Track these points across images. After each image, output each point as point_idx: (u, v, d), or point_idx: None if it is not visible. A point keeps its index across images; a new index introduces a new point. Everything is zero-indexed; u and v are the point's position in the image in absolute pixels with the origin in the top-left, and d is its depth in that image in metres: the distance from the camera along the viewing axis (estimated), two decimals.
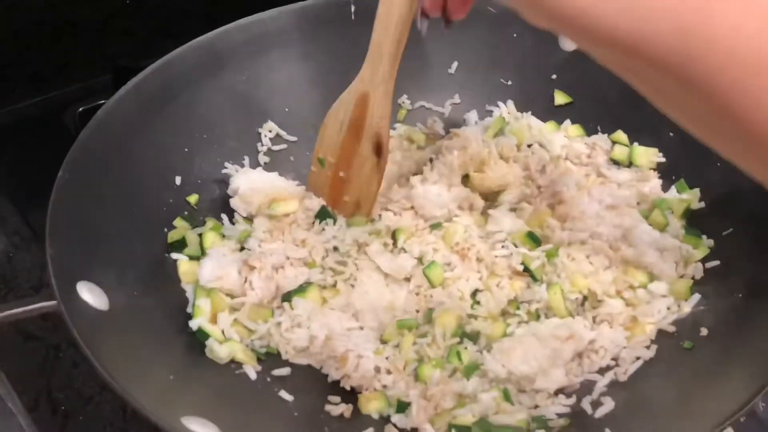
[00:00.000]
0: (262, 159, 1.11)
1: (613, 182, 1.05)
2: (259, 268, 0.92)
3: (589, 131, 1.13)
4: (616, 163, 1.09)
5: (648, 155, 1.07)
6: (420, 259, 0.96)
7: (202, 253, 0.97)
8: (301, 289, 0.92)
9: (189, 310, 0.89)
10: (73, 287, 0.75)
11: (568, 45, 1.14)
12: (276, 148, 1.13)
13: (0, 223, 1.14)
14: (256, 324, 0.89)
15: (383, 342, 0.89)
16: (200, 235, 0.99)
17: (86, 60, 1.35)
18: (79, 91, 1.34)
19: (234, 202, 1.03)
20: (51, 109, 1.31)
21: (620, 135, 1.10)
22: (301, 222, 1.01)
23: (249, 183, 1.04)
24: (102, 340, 0.72)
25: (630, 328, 0.88)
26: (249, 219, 1.03)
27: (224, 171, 1.07)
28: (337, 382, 0.86)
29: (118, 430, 0.90)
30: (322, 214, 1.00)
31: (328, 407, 0.83)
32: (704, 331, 0.85)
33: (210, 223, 1.01)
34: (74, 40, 1.34)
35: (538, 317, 0.91)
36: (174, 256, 0.95)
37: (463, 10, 0.87)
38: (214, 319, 0.88)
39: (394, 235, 0.98)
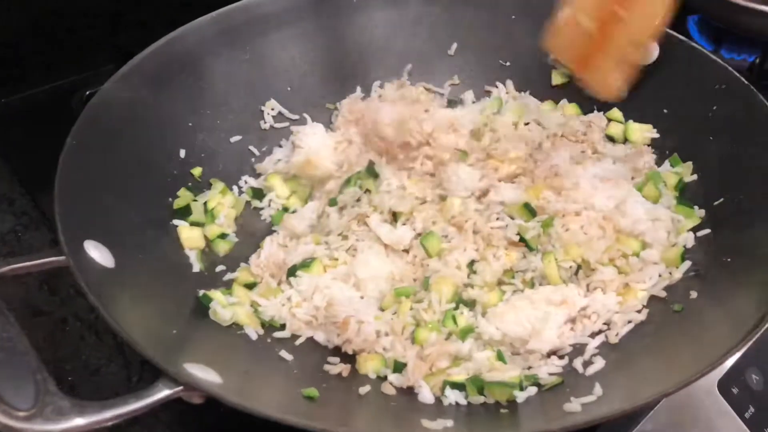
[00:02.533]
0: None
1: (608, 157, 1.07)
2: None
3: (585, 110, 1.15)
4: (611, 139, 1.12)
5: (642, 131, 1.10)
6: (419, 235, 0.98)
7: (211, 219, 1.00)
8: (305, 264, 0.94)
9: (195, 270, 0.91)
10: (80, 244, 0.78)
11: None
12: (278, 125, 1.16)
13: (9, 203, 1.18)
14: (267, 300, 0.92)
15: (382, 309, 0.91)
16: (205, 203, 1.01)
17: (97, 49, 1.38)
18: (88, 79, 1.36)
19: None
20: (60, 95, 1.34)
21: (615, 112, 1.13)
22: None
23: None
24: (108, 294, 0.74)
25: (622, 293, 0.90)
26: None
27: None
28: (337, 347, 0.88)
29: None
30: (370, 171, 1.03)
31: (326, 366, 0.85)
32: (693, 294, 0.87)
33: (218, 185, 1.04)
34: (86, 30, 1.38)
35: (532, 285, 0.93)
36: (176, 222, 0.98)
37: None
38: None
39: (394, 215, 1.00)
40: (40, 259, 0.75)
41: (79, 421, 0.59)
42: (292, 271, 0.94)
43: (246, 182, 1.10)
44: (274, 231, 1.03)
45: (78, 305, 1.01)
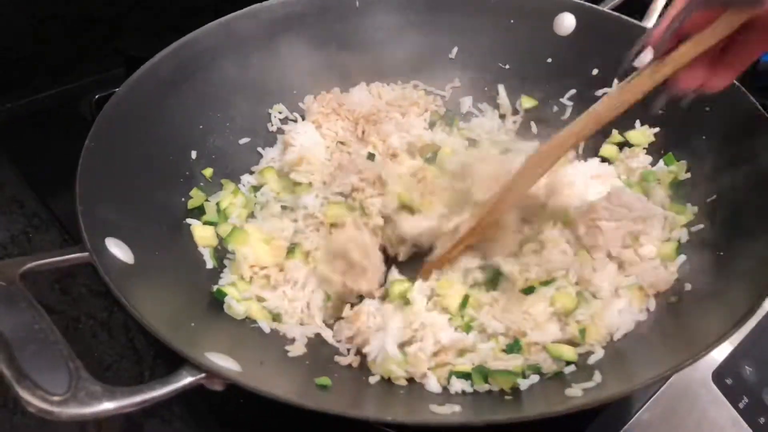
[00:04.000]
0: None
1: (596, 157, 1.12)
2: None
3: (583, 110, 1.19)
4: (606, 160, 1.14)
5: (645, 135, 1.13)
6: None
7: (224, 219, 1.03)
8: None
9: (209, 266, 0.95)
10: (101, 241, 0.81)
11: (562, 30, 1.21)
12: (285, 127, 1.19)
13: (19, 206, 1.20)
14: (269, 292, 0.95)
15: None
16: (218, 203, 1.05)
17: (100, 53, 1.41)
18: (92, 84, 1.39)
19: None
20: (66, 100, 1.38)
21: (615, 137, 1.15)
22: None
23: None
24: (130, 289, 0.77)
25: (634, 296, 0.92)
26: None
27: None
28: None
29: None
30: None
31: (337, 358, 0.88)
32: (688, 287, 0.91)
33: (229, 186, 1.08)
34: (88, 34, 1.40)
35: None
36: (189, 221, 1.01)
37: (728, 78, 0.77)
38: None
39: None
40: (63, 255, 0.77)
41: (109, 405, 0.62)
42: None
43: (248, 182, 1.13)
44: None
45: (90, 304, 1.04)
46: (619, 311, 0.90)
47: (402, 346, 0.86)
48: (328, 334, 0.92)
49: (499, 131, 1.22)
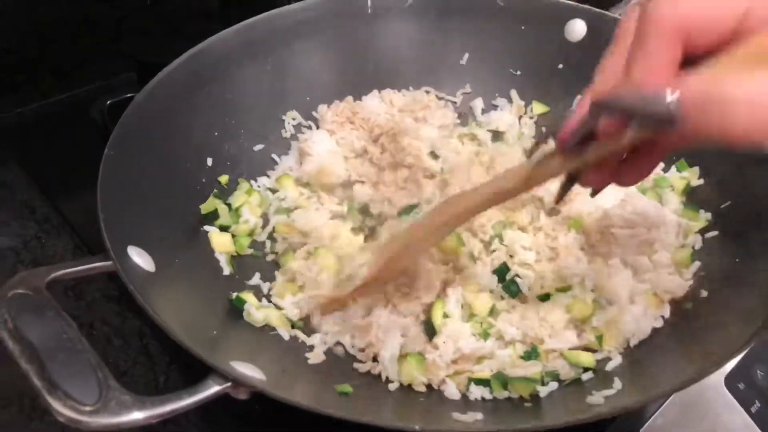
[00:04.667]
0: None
1: None
2: None
3: None
4: None
5: None
6: None
7: (236, 218, 1.04)
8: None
9: (226, 273, 0.96)
10: (124, 250, 0.82)
11: (573, 36, 1.22)
12: (299, 134, 1.20)
13: (30, 211, 1.20)
14: (282, 299, 0.96)
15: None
16: (229, 204, 1.06)
17: (105, 57, 1.42)
18: (100, 88, 1.40)
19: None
20: (75, 105, 1.38)
21: None
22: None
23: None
24: (153, 297, 0.77)
25: (651, 303, 0.92)
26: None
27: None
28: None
29: None
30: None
31: (356, 365, 0.89)
32: (704, 294, 0.91)
33: (243, 186, 1.09)
34: (94, 39, 1.41)
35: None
36: (206, 228, 1.01)
37: (637, 178, 0.72)
38: None
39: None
40: (87, 264, 0.78)
41: (139, 414, 0.63)
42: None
43: (263, 184, 1.13)
44: None
45: (104, 310, 1.04)
46: (635, 318, 0.90)
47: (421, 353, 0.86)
48: (347, 342, 0.92)
49: (521, 126, 1.23)
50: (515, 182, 0.75)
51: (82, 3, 1.36)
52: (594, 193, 0.75)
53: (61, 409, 0.60)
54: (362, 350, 0.90)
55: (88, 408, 0.60)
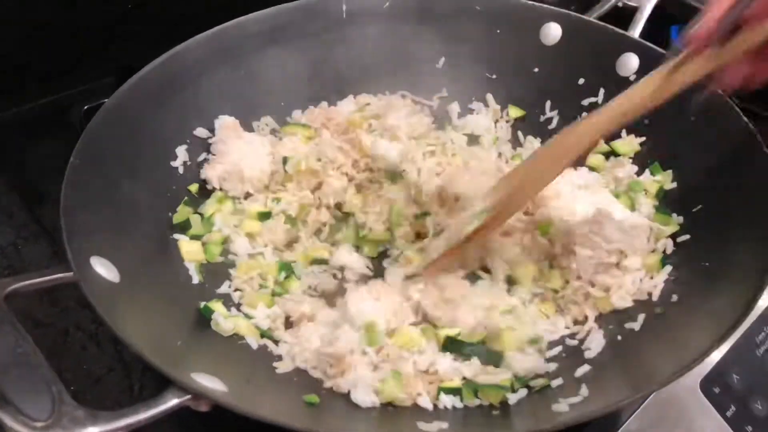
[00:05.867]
0: None
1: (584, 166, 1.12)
2: None
3: (569, 119, 1.19)
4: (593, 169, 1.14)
5: (632, 144, 1.13)
6: None
7: (208, 227, 1.03)
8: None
9: (195, 281, 0.95)
10: (87, 260, 0.81)
11: (548, 40, 1.21)
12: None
13: (8, 216, 1.19)
14: (254, 309, 0.95)
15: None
16: (200, 214, 1.05)
17: (91, 63, 1.40)
18: (83, 93, 1.39)
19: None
20: (56, 109, 1.37)
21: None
22: None
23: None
24: (115, 308, 0.77)
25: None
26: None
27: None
28: None
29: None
30: None
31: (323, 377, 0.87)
32: (674, 298, 0.91)
33: (216, 194, 1.08)
34: (79, 44, 1.39)
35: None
36: (176, 236, 1.01)
37: None
38: None
39: None
40: (47, 275, 0.77)
41: (93, 429, 0.62)
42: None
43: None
44: None
45: (78, 316, 1.03)
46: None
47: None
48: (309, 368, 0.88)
49: (496, 130, 1.22)
50: (643, 96, 0.73)
51: (69, 8, 1.35)
52: (731, 93, 0.73)
53: (11, 424, 0.59)
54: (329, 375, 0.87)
55: (40, 424, 0.60)
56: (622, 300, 0.93)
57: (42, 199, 1.20)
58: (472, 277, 0.97)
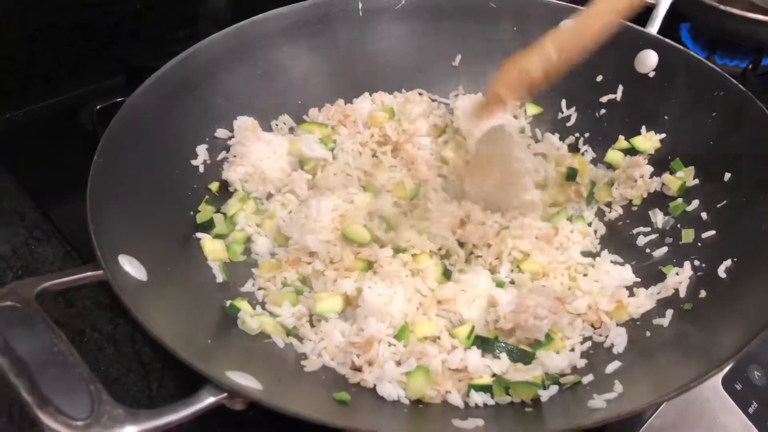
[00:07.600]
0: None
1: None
2: None
3: (588, 116, 1.19)
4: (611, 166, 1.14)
5: (652, 141, 1.12)
6: None
7: (231, 227, 1.03)
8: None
9: (219, 280, 0.94)
10: (115, 259, 0.80)
11: None
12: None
13: (20, 217, 1.18)
14: (279, 308, 0.94)
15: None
16: (224, 213, 1.04)
17: (97, 62, 1.40)
18: (91, 93, 1.38)
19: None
20: (65, 109, 1.36)
21: (621, 142, 1.15)
22: None
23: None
24: (145, 307, 0.76)
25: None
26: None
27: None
28: None
29: (143, 408, 0.94)
30: None
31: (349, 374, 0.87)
32: (702, 294, 0.91)
33: (238, 194, 1.07)
34: (86, 43, 1.39)
35: None
36: (199, 235, 1.00)
37: None
38: None
39: None
40: (78, 274, 0.76)
41: (132, 428, 0.61)
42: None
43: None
44: None
45: (95, 317, 1.03)
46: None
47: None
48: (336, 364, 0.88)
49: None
50: None
51: (75, 8, 1.34)
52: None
53: (51, 424, 0.58)
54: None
55: (79, 423, 0.59)
56: (639, 308, 0.93)
57: (53, 199, 1.19)
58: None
